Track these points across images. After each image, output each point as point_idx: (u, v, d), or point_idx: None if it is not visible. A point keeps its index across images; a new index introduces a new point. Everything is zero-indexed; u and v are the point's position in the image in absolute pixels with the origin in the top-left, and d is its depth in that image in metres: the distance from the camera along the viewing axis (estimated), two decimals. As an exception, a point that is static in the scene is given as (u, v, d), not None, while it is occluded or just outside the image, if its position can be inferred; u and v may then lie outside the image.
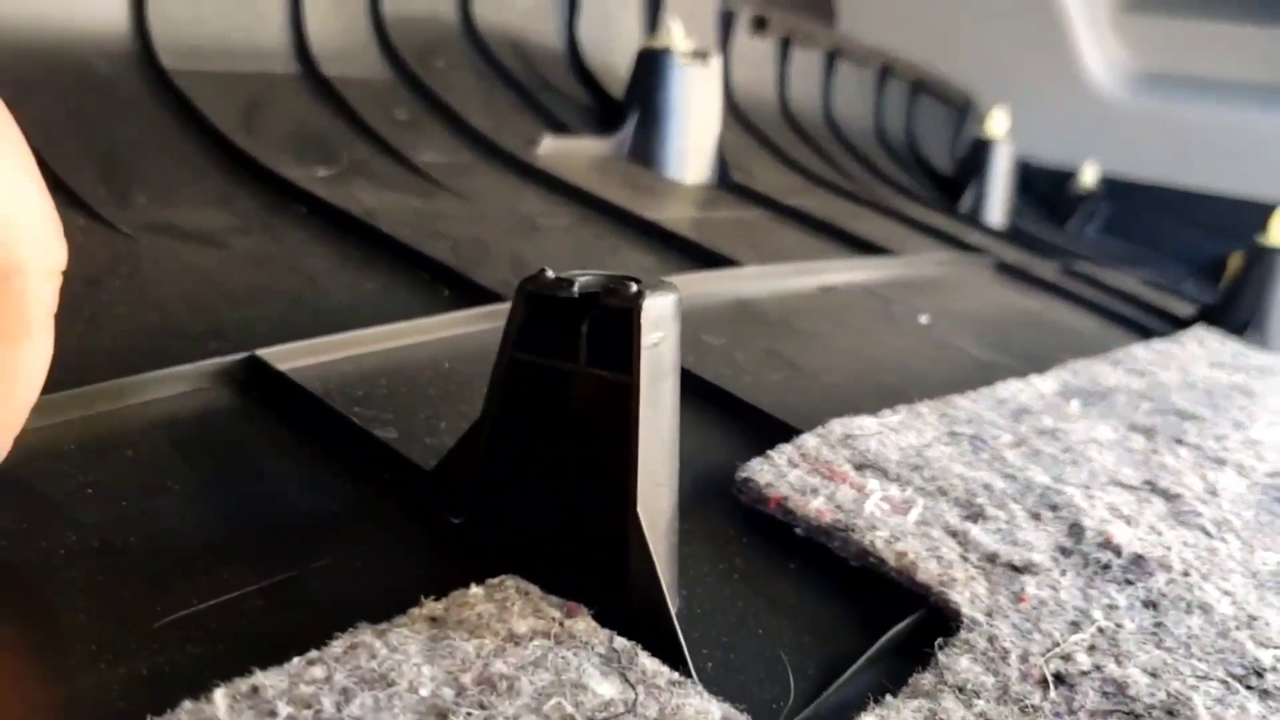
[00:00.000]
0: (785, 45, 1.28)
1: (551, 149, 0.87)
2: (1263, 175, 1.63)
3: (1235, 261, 1.55)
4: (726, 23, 1.19)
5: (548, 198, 0.78)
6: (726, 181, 0.96)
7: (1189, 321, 1.00)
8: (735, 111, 1.18)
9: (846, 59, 1.40)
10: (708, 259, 0.73)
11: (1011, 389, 0.63)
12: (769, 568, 0.42)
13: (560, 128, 0.92)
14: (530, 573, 0.37)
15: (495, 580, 0.36)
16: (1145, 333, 0.92)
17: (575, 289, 0.36)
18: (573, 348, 0.37)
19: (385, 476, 0.43)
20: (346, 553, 0.38)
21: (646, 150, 0.94)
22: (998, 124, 1.39)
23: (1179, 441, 0.61)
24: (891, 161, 1.42)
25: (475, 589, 0.36)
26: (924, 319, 0.76)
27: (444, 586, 0.35)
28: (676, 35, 0.94)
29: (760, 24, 1.22)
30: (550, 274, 0.37)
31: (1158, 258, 1.61)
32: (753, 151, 1.14)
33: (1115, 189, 1.72)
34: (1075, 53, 1.75)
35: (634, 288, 0.36)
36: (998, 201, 1.38)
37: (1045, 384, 0.66)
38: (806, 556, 0.43)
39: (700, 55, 0.95)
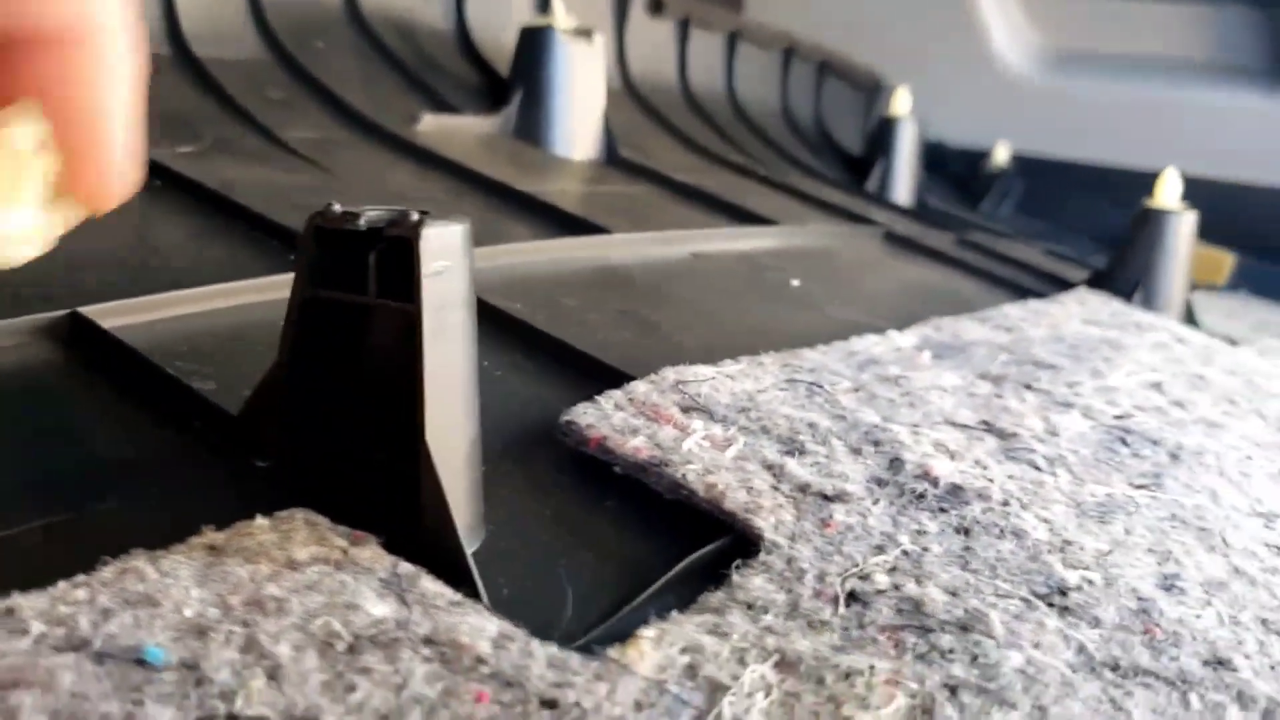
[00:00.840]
0: (685, 27, 1.29)
1: (432, 126, 0.87)
2: (1169, 148, 1.66)
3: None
4: (622, 4, 1.20)
5: (422, 173, 0.78)
6: (615, 158, 0.96)
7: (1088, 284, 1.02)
8: (633, 92, 1.19)
9: (749, 41, 1.41)
10: (580, 228, 0.73)
11: (866, 343, 0.64)
12: (584, 507, 0.43)
13: (446, 108, 0.92)
14: (328, 508, 0.37)
15: (284, 513, 0.36)
16: (1036, 298, 0.94)
17: (362, 222, 0.36)
18: (363, 281, 0.37)
19: (196, 425, 0.42)
20: (143, 495, 0.38)
21: (532, 128, 0.94)
22: (901, 103, 1.41)
23: (1027, 387, 0.62)
24: (799, 143, 1.43)
25: (260, 520, 0.36)
26: (795, 283, 0.77)
27: (232, 520, 0.36)
28: (559, 13, 0.94)
29: (657, 6, 1.22)
30: (338, 208, 0.37)
31: (1070, 234, 1.63)
32: (650, 132, 1.14)
33: (1027, 167, 1.74)
34: (984, 33, 1.77)
35: (415, 217, 0.36)
36: (904, 180, 1.40)
37: (904, 339, 0.67)
38: (623, 495, 0.43)
39: (584, 33, 0.95)
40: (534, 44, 0.93)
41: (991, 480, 0.48)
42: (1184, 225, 1.00)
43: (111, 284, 0.51)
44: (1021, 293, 0.95)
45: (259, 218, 0.61)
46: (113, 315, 0.48)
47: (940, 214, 1.35)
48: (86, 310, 0.47)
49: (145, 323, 0.49)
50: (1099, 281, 1.01)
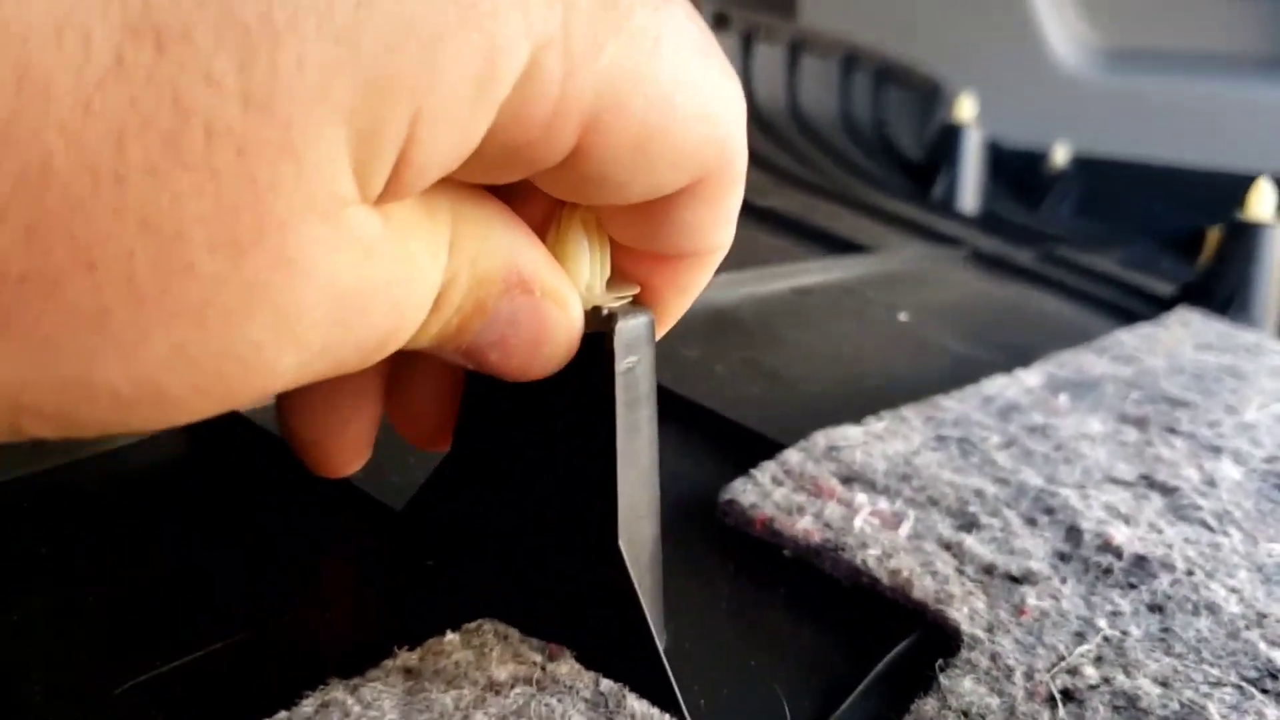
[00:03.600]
0: (747, 41, 1.26)
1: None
2: (1230, 146, 1.62)
3: (1214, 236, 1.55)
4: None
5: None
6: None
7: (1170, 302, 0.99)
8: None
9: (810, 50, 1.38)
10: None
11: (997, 385, 0.62)
12: (758, 594, 0.41)
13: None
14: (509, 615, 0.35)
15: (472, 625, 0.34)
16: (1127, 316, 0.91)
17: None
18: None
19: (351, 519, 0.41)
20: (313, 603, 0.36)
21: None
22: (966, 109, 1.38)
23: (1172, 431, 0.59)
24: (860, 151, 1.41)
25: (451, 636, 0.34)
26: (903, 316, 0.75)
27: (419, 635, 0.34)
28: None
29: (721, 20, 1.20)
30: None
31: (1132, 235, 1.60)
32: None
33: (1087, 168, 1.71)
34: (1039, 32, 1.74)
35: (605, 311, 0.34)
36: (970, 188, 1.37)
37: (1031, 378, 0.65)
38: (797, 579, 0.41)
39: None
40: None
41: (1170, 546, 0.46)
42: (1279, 239, 0.98)
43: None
44: (1116, 311, 0.92)
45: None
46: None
47: (1012, 223, 1.33)
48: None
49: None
50: (1190, 297, 0.98)
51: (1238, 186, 1.68)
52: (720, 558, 0.42)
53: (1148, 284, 1.08)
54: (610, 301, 0.34)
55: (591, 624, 0.35)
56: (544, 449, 0.36)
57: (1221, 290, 0.97)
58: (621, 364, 0.34)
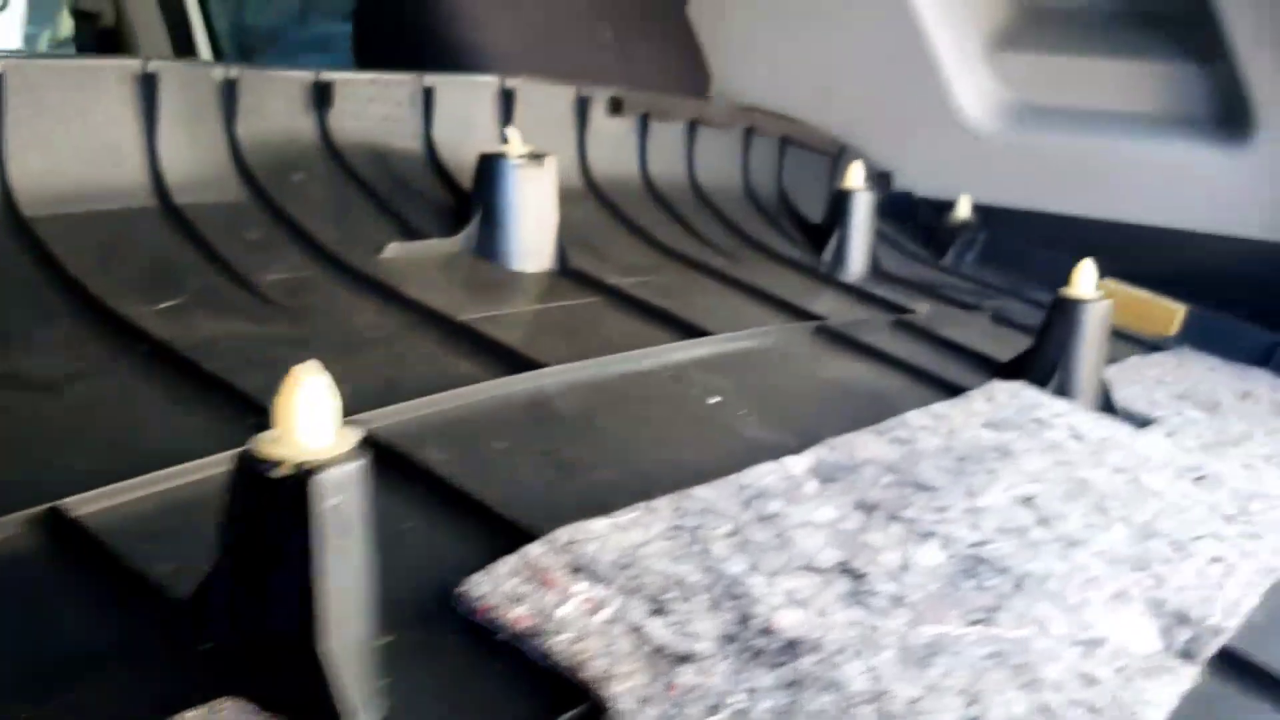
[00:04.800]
0: (644, 121, 1.37)
1: (399, 253, 0.97)
2: (1122, 199, 1.74)
3: (1100, 286, 1.64)
4: (583, 108, 1.29)
5: (382, 309, 0.88)
6: (566, 269, 1.05)
7: (1006, 371, 1.09)
8: (595, 192, 1.28)
9: (709, 126, 1.50)
10: (520, 364, 0.82)
11: (758, 473, 0.72)
12: (476, 672, 0.52)
13: (413, 231, 1.01)
14: (258, 691, 0.46)
15: (218, 702, 0.46)
16: (953, 390, 1.02)
17: (273, 472, 0.46)
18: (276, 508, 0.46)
19: (151, 612, 0.52)
20: (104, 684, 0.47)
21: (490, 246, 1.03)
22: (855, 175, 1.49)
23: (895, 517, 0.70)
24: (761, 219, 1.52)
25: (192, 712, 0.45)
26: (713, 400, 0.85)
27: (169, 710, 0.44)
28: (514, 142, 1.04)
29: (616, 106, 1.31)
30: (257, 452, 0.46)
31: (1028, 283, 1.71)
32: (611, 230, 1.23)
33: (991, 218, 1.82)
34: (947, 89, 1.85)
35: (307, 466, 0.45)
36: (859, 250, 1.48)
37: (798, 464, 0.75)
38: (511, 658, 0.52)
39: (536, 157, 1.04)
40: (489, 171, 1.03)
41: (829, 629, 0.56)
42: (1098, 313, 1.08)
43: (93, 470, 0.60)
44: (940, 385, 1.03)
45: (229, 386, 0.70)
46: (88, 504, 0.57)
47: (902, 279, 1.44)
48: (64, 503, 0.56)
49: (118, 505, 0.58)
50: (1018, 367, 1.09)
51: (1125, 235, 1.79)
52: (450, 641, 0.53)
53: (997, 347, 1.18)
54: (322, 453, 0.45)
55: (304, 706, 0.46)
56: (279, 563, 0.48)
57: (1046, 361, 1.07)
58: (326, 504, 0.45)
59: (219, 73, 0.98)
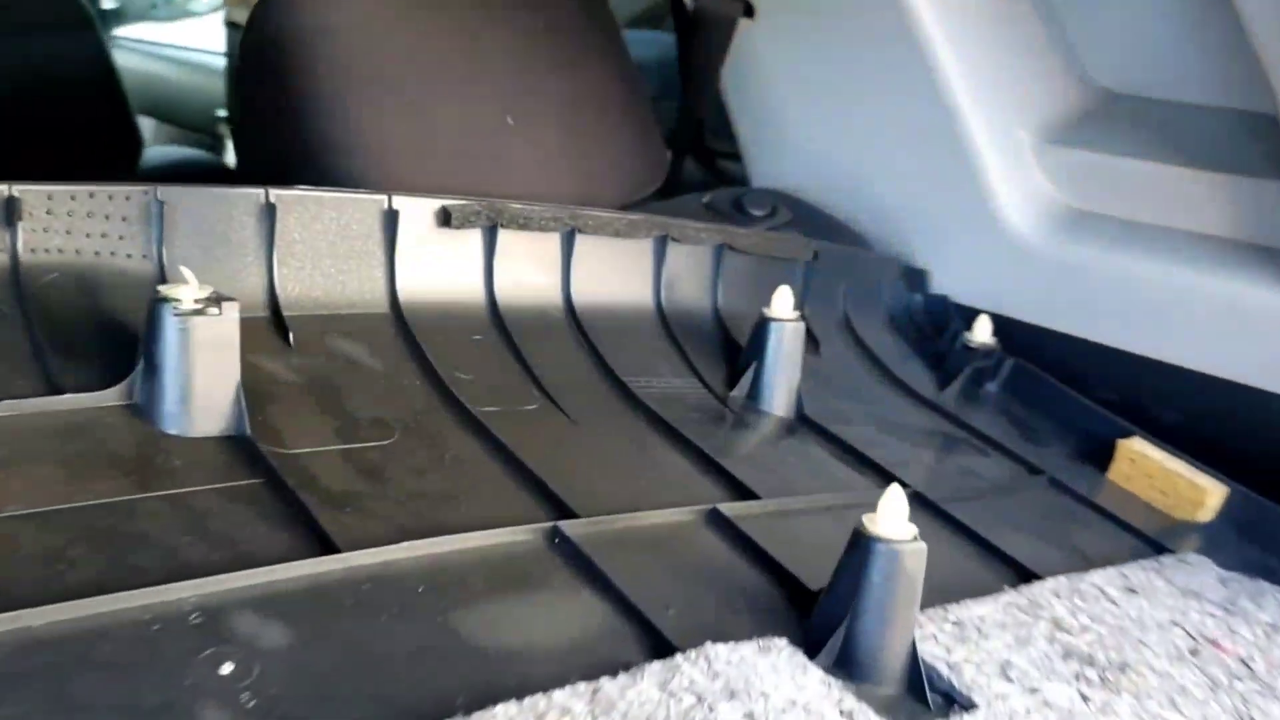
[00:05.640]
0: (492, 234, 1.17)
1: (12, 411, 0.82)
2: (1176, 335, 1.38)
3: (1127, 450, 1.32)
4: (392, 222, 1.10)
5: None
6: (243, 437, 0.88)
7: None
8: (401, 321, 1.10)
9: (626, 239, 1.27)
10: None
11: None
12: None
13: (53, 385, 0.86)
14: None
15: None
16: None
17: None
18: None
19: None
20: None
21: (150, 403, 0.87)
22: (781, 301, 1.23)
23: None
24: (666, 344, 1.28)
25: None
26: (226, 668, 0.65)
27: None
28: (187, 283, 0.87)
29: (446, 217, 1.12)
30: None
31: (1047, 432, 1.38)
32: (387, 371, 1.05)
33: (1025, 337, 1.49)
34: (987, 185, 1.54)
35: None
36: (782, 387, 1.22)
37: None
38: None
39: (213, 302, 0.87)
40: (151, 317, 0.86)
41: None
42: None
43: None
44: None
45: None
46: None
47: (818, 429, 1.17)
48: None
49: None
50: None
51: (1179, 381, 1.41)
52: None
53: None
54: None
55: None
56: None
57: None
58: None
59: None
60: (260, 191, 1.02)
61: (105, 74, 2.52)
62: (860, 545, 0.77)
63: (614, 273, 1.29)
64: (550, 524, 0.85)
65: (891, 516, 0.78)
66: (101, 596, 0.68)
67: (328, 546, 0.78)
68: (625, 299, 1.29)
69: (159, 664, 0.65)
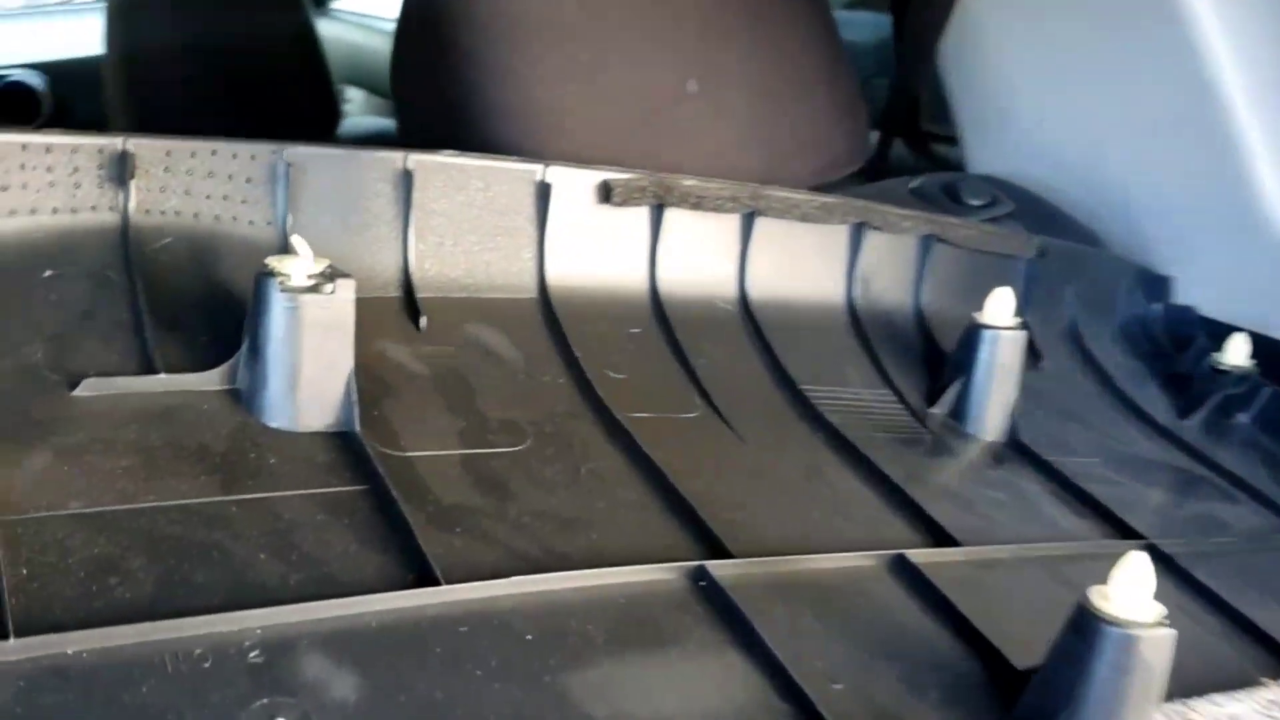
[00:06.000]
0: (659, 212, 1.03)
1: (98, 391, 0.73)
2: None
3: None
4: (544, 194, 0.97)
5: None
6: (352, 435, 0.76)
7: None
8: (548, 309, 0.96)
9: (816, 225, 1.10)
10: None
11: None
12: None
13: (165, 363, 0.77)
14: None
15: None
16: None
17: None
18: None
19: None
20: None
21: (252, 390, 0.77)
22: (998, 304, 1.04)
23: None
24: (860, 351, 1.11)
25: None
26: None
27: None
28: (299, 255, 0.76)
29: (606, 193, 0.98)
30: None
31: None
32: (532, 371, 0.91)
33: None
34: (1252, 183, 1.30)
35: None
36: (994, 406, 1.03)
37: None
38: None
39: (327, 278, 0.76)
40: (257, 293, 0.76)
41: None
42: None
43: None
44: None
45: None
46: None
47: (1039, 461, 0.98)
48: None
49: None
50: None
51: None
52: None
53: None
54: None
55: None
56: None
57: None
58: None
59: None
60: (398, 155, 0.91)
61: (307, 44, 2.52)
62: (1086, 625, 0.60)
63: (799, 263, 1.12)
64: (696, 563, 0.70)
65: (1130, 590, 0.60)
66: (149, 624, 0.57)
67: (425, 575, 0.65)
68: (811, 294, 1.12)
69: (201, 714, 0.53)
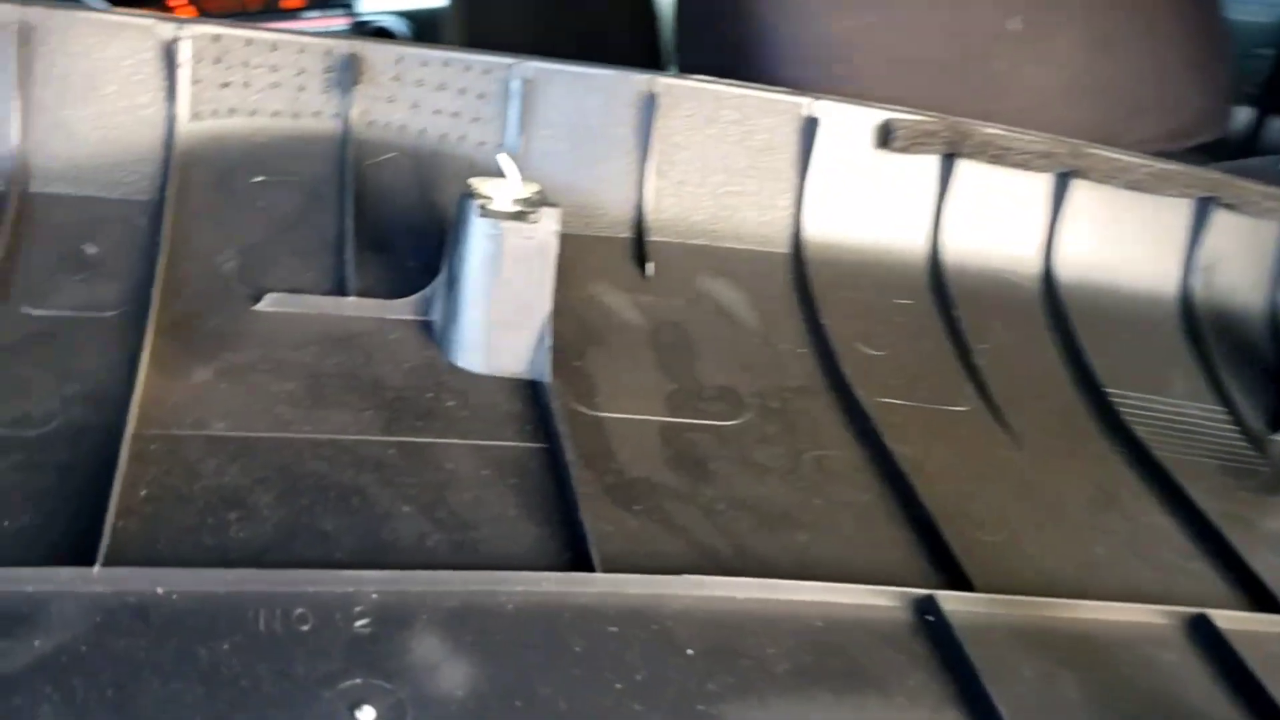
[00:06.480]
0: (949, 162, 0.86)
1: (280, 307, 0.67)
2: None
3: None
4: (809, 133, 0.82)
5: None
6: (542, 385, 0.66)
7: None
8: (801, 264, 0.82)
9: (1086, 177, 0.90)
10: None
11: None
12: None
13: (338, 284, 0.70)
14: None
15: None
16: None
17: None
18: None
19: None
20: None
21: (446, 326, 0.68)
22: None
23: None
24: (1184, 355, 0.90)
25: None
26: None
27: None
28: (505, 176, 0.67)
29: (885, 136, 0.83)
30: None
31: None
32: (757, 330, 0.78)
33: None
34: None
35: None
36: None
37: None
38: None
39: (534, 205, 0.66)
40: (458, 215, 0.67)
41: None
42: None
43: None
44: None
45: None
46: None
47: None
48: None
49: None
50: None
51: None
52: None
53: None
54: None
55: None
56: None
57: None
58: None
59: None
60: (642, 78, 0.80)
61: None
62: None
63: (1123, 240, 0.92)
64: (925, 592, 0.56)
65: None
66: (252, 570, 0.50)
67: (581, 558, 0.54)
68: (1134, 279, 0.92)
69: (278, 688, 0.45)
